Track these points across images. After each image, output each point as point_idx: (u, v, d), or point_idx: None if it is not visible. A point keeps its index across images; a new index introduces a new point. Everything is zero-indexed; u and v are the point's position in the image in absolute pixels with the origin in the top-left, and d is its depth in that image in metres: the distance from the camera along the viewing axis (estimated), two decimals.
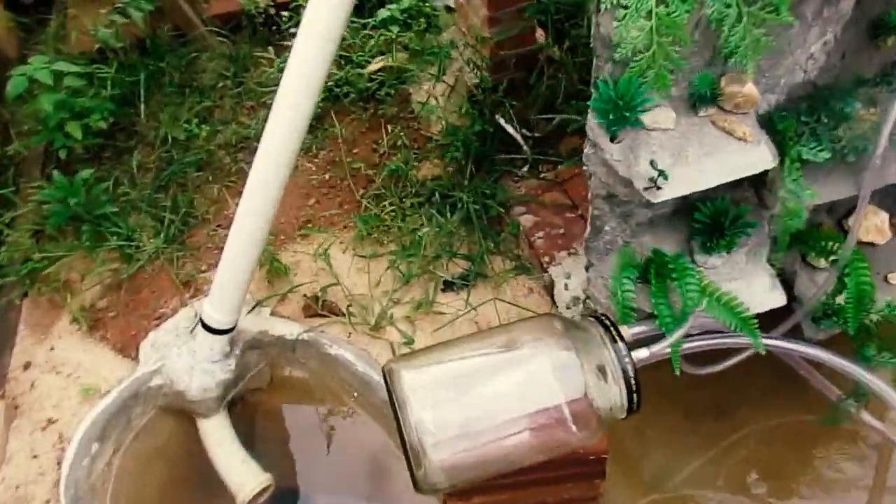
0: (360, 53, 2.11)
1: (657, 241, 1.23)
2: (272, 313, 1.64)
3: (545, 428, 1.01)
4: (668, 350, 1.07)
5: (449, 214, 1.73)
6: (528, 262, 1.64)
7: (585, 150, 1.08)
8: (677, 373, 1.14)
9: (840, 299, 1.24)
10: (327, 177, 1.94)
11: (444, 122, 1.89)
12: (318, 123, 2.04)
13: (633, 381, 1.00)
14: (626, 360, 1.00)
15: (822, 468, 1.51)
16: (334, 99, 2.07)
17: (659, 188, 0.97)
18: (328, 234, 1.79)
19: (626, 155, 1.02)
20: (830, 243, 1.22)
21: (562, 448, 1.05)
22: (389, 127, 1.97)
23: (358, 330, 1.59)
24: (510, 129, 1.75)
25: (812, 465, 1.52)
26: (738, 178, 1.01)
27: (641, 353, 1.04)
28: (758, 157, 1.01)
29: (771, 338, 1.17)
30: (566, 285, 1.52)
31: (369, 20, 2.14)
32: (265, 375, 1.60)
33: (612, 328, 1.02)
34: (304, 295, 1.65)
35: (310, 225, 1.82)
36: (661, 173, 0.95)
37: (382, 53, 2.11)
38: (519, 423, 1.00)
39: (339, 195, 1.89)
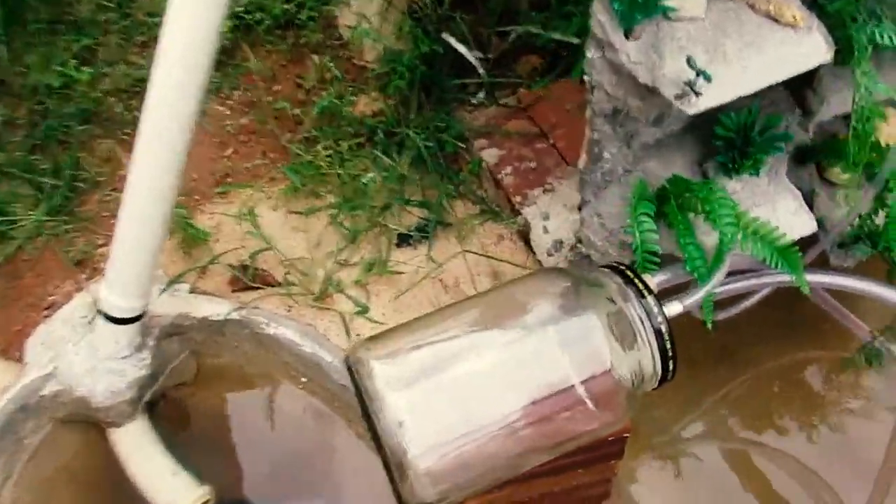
0: None
1: (664, 166, 1.00)
2: (192, 291, 1.34)
3: (558, 416, 0.78)
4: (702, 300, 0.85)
5: (396, 155, 1.46)
6: (496, 204, 1.39)
7: (588, 56, 0.83)
8: (709, 326, 0.92)
9: (879, 220, 1.04)
10: (245, 121, 1.62)
11: (380, 48, 1.59)
12: (227, 58, 1.70)
13: (668, 344, 0.77)
14: (659, 318, 0.77)
15: (834, 413, 1.35)
16: (246, 28, 1.73)
17: (698, 94, 0.73)
18: (253, 190, 1.49)
19: (648, 55, 0.77)
20: (866, 153, 1.01)
21: (583, 438, 0.82)
22: (315, 57, 1.65)
23: (300, 302, 1.32)
24: (462, 49, 1.47)
25: (823, 408, 1.36)
26: (791, 76, 0.78)
27: (673, 308, 0.82)
28: (811, 47, 0.78)
29: (812, 273, 0.96)
30: (545, 228, 1.28)
31: None
32: (190, 367, 1.32)
33: (636, 279, 0.78)
34: (230, 265, 1.36)
35: (229, 180, 1.51)
36: (702, 74, 0.71)
37: None
38: (526, 415, 0.76)
39: (261, 142, 1.58)
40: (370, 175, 1.39)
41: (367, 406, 0.74)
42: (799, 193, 1.00)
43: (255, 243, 1.39)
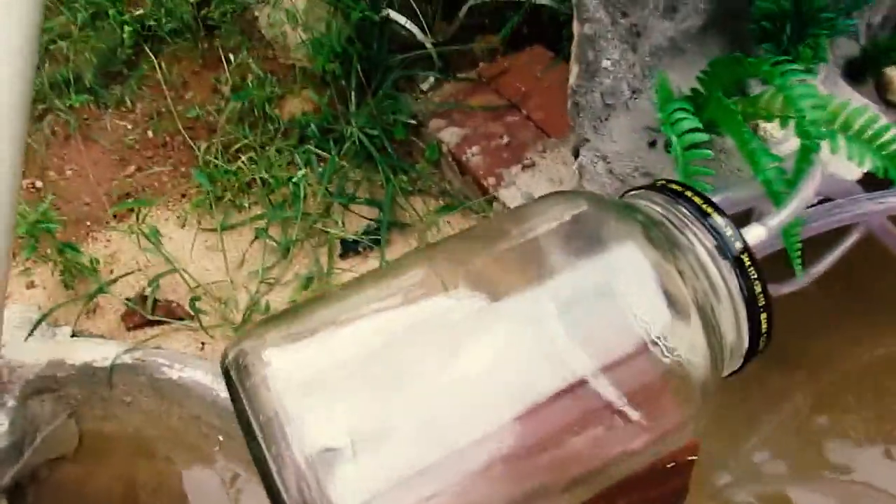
0: None
1: (683, 79, 0.73)
2: (75, 334, 1.01)
3: (573, 432, 0.47)
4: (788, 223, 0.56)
5: (335, 152, 1.17)
6: (462, 192, 1.11)
7: None
8: (800, 274, 0.63)
9: None
10: (150, 134, 1.33)
11: (307, 39, 1.33)
12: (129, 69, 1.43)
13: (757, 285, 0.47)
14: (737, 242, 0.48)
15: None
16: (150, 35, 1.47)
17: None
18: (157, 207, 1.19)
19: None
20: None
21: (618, 467, 0.50)
22: (232, 56, 1.39)
23: (217, 335, 1.00)
24: (402, 20, 1.22)
25: None
26: None
27: (754, 233, 0.53)
28: None
29: None
30: None
31: None
32: (69, 434, 0.97)
33: (691, 193, 0.50)
34: (127, 299, 1.04)
35: (129, 199, 1.21)
36: None
37: None
38: (519, 434, 0.44)
39: (171, 155, 1.30)
40: (301, 173, 1.10)
41: (251, 428, 0.43)
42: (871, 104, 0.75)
43: (157, 269, 1.08)
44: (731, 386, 1.00)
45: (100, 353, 0.96)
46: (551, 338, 0.46)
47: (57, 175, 1.29)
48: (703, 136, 0.58)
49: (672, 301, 0.47)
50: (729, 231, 0.48)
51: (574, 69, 0.71)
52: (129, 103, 1.38)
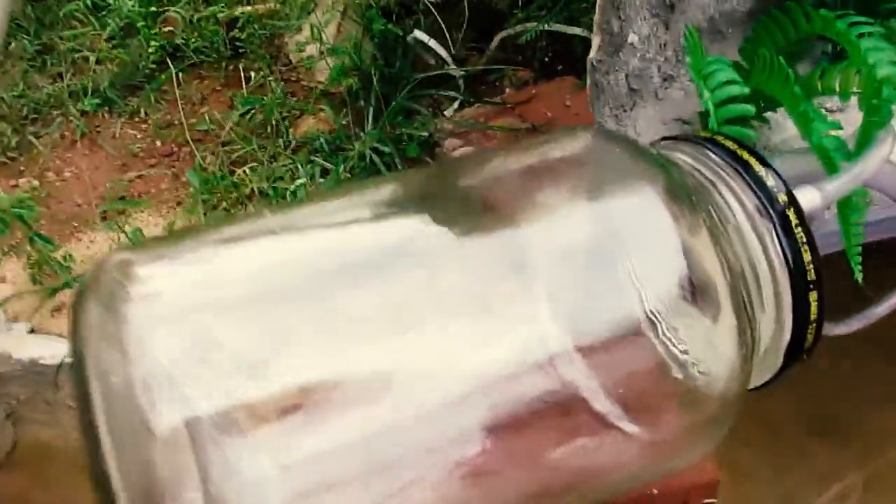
0: (222, 3, 1.50)
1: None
2: (33, 330, 0.92)
3: (552, 440, 0.34)
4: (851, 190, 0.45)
5: (342, 167, 1.09)
6: None
7: None
8: (859, 277, 0.51)
9: None
10: (159, 143, 1.28)
11: (331, 65, 1.27)
12: (149, 83, 1.39)
13: (807, 259, 0.35)
14: (783, 196, 0.36)
15: None
16: (176, 53, 1.44)
17: None
18: (149, 212, 1.11)
19: None
20: None
21: (597, 488, 0.37)
22: (253, 74, 1.34)
23: None
24: (428, 41, 1.16)
25: None
26: None
27: (808, 196, 0.40)
28: None
29: None
30: None
31: None
32: (4, 438, 0.86)
33: (734, 144, 0.38)
34: None
35: (123, 200, 1.14)
36: None
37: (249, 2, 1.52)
38: (481, 437, 0.32)
39: (174, 165, 1.23)
40: (300, 181, 1.01)
41: (89, 384, 0.30)
42: None
43: None
44: (770, 456, 0.84)
45: (50, 350, 0.86)
46: (532, 311, 0.35)
47: (55, 176, 1.23)
48: (742, 89, 0.47)
49: (693, 277, 0.35)
50: (771, 181, 0.36)
51: (595, 41, 0.62)
52: (143, 114, 1.34)
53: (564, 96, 1.10)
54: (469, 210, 0.39)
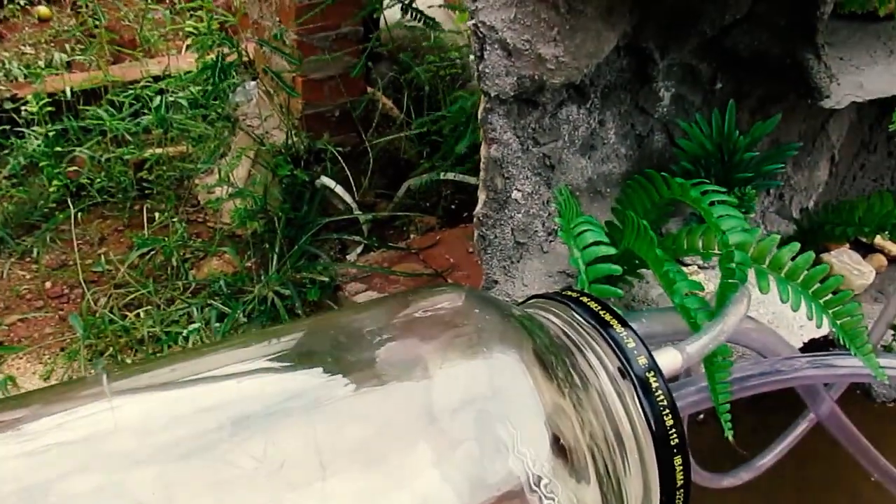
0: (132, 144, 1.50)
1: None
2: None
3: None
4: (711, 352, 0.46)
5: (241, 311, 1.06)
6: None
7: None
8: (729, 435, 0.51)
9: None
10: (49, 285, 1.22)
11: (241, 205, 1.27)
12: (47, 222, 1.35)
13: (669, 423, 0.35)
14: (643, 360, 0.36)
15: None
16: (79, 192, 1.41)
17: None
18: (29, 358, 1.04)
19: None
20: None
21: None
22: (157, 215, 1.33)
23: None
24: (334, 186, 1.18)
25: None
26: None
27: (669, 358, 0.40)
28: None
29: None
30: None
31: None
32: None
33: (597, 305, 0.39)
34: None
35: (2, 344, 1.06)
36: None
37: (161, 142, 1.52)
38: None
39: (63, 308, 1.17)
40: (193, 327, 0.97)
41: None
42: None
43: None
44: None
45: None
46: (422, 470, 0.33)
47: None
48: (610, 250, 0.48)
49: (560, 440, 0.34)
50: (632, 343, 0.36)
51: (481, 196, 0.64)
52: (35, 254, 1.29)
53: (467, 243, 1.12)
54: (357, 366, 0.38)
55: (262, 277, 1.11)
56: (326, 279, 1.05)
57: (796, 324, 0.65)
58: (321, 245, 1.15)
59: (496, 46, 0.55)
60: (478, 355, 0.37)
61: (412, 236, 1.20)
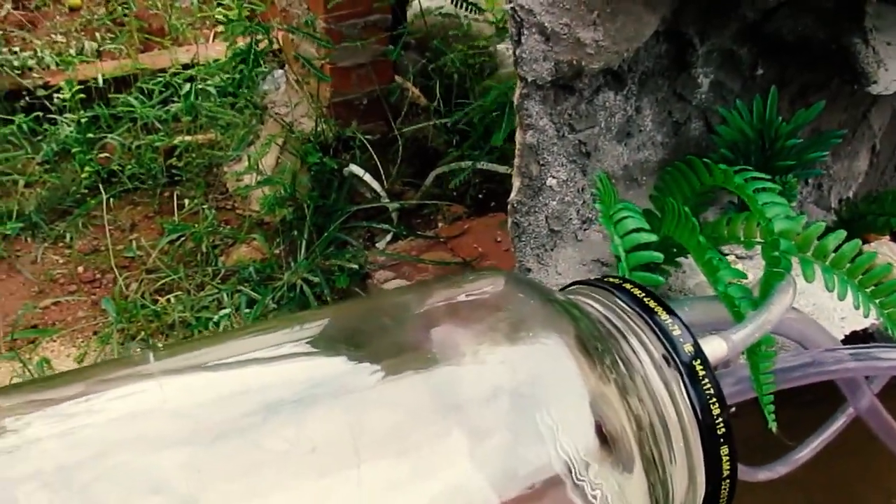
0: (162, 132, 1.51)
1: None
2: None
3: None
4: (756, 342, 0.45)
5: (270, 297, 1.07)
6: None
7: None
8: (772, 425, 0.50)
9: None
10: (81, 269, 1.24)
11: (265, 196, 1.28)
12: (79, 208, 1.37)
13: (716, 412, 0.34)
14: (689, 347, 0.36)
15: None
16: (110, 180, 1.43)
17: None
18: (61, 340, 1.06)
19: None
20: None
21: None
22: (187, 202, 1.34)
23: None
24: (362, 173, 1.18)
25: None
26: None
27: (714, 346, 0.40)
28: None
29: None
30: None
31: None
32: None
33: (641, 292, 0.38)
34: None
35: (35, 328, 1.08)
36: None
37: (190, 130, 1.53)
38: None
39: (95, 292, 1.19)
40: (223, 312, 0.98)
41: None
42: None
43: None
44: None
45: None
46: (455, 457, 0.33)
47: None
48: (651, 237, 0.48)
49: (604, 428, 0.33)
50: (677, 331, 0.36)
51: (516, 183, 0.64)
52: (68, 239, 1.30)
53: (495, 232, 1.12)
54: (392, 350, 0.38)
55: (292, 264, 1.12)
56: (356, 267, 1.05)
57: (837, 315, 0.64)
58: (349, 233, 1.15)
59: (534, 30, 0.54)
60: (521, 340, 0.37)
61: (440, 225, 1.20)
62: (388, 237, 1.20)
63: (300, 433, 0.32)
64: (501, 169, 1.21)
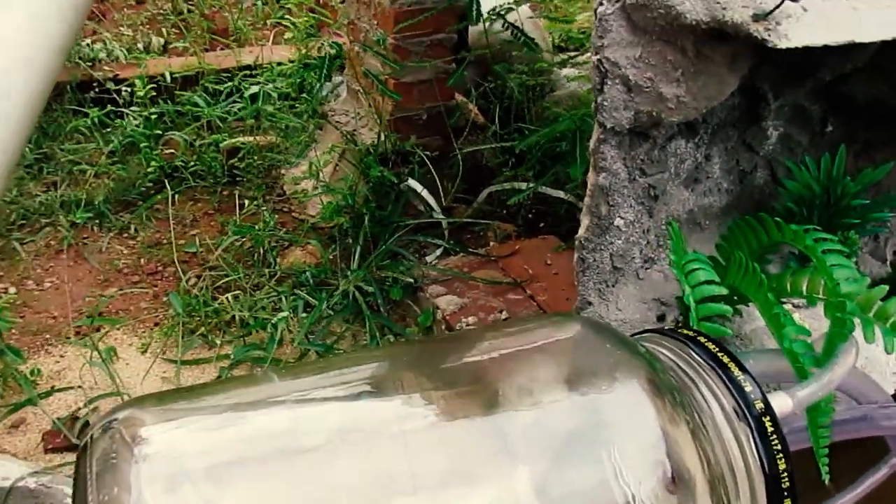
0: (224, 131, 1.56)
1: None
2: None
3: None
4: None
5: (326, 303, 1.11)
6: None
7: (600, 9, 0.55)
8: (825, 478, 0.53)
9: None
10: (144, 262, 1.29)
11: (325, 202, 1.32)
12: (143, 200, 1.43)
13: (782, 466, 0.38)
14: (759, 403, 0.39)
15: None
16: (173, 176, 1.48)
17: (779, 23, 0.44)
18: (125, 330, 1.11)
19: None
20: None
21: None
22: (247, 202, 1.39)
23: None
24: (424, 193, 1.21)
25: None
26: None
27: (780, 402, 0.42)
28: None
29: None
30: None
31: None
32: None
33: (714, 346, 0.41)
34: (57, 418, 0.93)
35: (101, 316, 1.13)
36: None
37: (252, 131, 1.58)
38: None
39: (157, 284, 1.24)
40: (282, 315, 1.02)
41: None
42: None
43: (101, 391, 0.97)
44: None
45: (3, 471, 0.83)
46: (512, 485, 0.36)
47: (34, 285, 1.23)
48: (721, 290, 0.50)
49: (673, 468, 0.36)
50: (749, 387, 0.39)
51: (584, 221, 0.66)
52: (132, 230, 1.36)
53: (546, 254, 1.15)
54: (457, 390, 0.41)
55: (346, 272, 1.16)
56: (410, 280, 1.08)
57: (889, 370, 0.66)
58: (403, 245, 1.19)
59: (617, 81, 0.57)
60: (595, 382, 0.40)
61: (490, 243, 1.23)
62: (439, 251, 1.23)
63: (369, 465, 0.36)
64: (555, 193, 1.24)
